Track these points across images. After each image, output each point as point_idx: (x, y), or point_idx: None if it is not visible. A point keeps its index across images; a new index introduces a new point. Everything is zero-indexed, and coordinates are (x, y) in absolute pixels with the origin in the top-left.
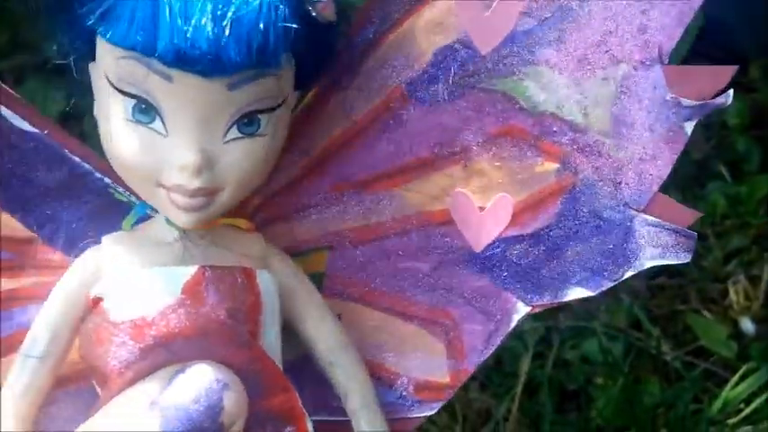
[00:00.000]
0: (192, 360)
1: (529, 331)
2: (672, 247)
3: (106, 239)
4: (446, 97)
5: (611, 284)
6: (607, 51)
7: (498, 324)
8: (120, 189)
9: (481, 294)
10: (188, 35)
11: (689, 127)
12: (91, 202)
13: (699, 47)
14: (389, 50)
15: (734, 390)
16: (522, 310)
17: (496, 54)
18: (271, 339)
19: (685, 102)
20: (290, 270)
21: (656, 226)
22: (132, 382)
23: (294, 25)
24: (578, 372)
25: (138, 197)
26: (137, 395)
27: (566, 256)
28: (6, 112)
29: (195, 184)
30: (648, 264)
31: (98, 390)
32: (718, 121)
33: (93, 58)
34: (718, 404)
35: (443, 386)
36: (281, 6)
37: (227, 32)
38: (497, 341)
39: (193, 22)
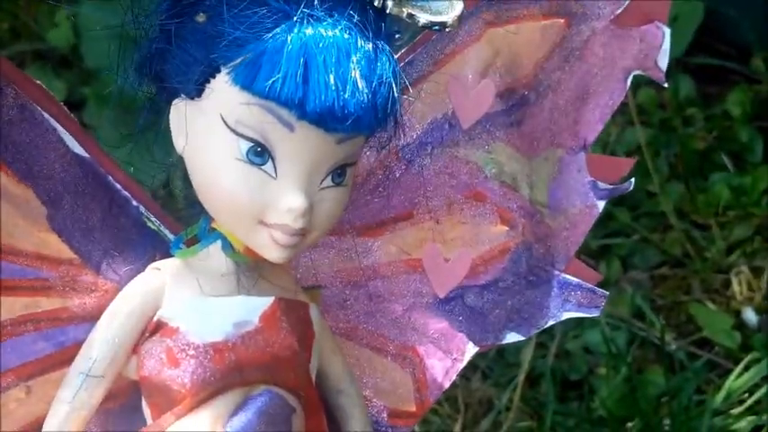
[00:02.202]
0: (258, 383)
1: None
2: (585, 303)
3: (161, 265)
4: (430, 162)
5: (536, 331)
6: (550, 137)
7: (454, 361)
8: (153, 218)
9: (441, 334)
10: (342, 97)
11: (601, 204)
12: (127, 230)
13: (701, 40)
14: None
15: (737, 380)
16: (471, 349)
17: (473, 129)
18: (314, 365)
19: (600, 185)
20: (316, 306)
21: (575, 285)
22: (203, 402)
23: (410, 95)
24: (581, 362)
25: (166, 226)
26: (209, 415)
27: (507, 305)
28: (65, 135)
29: (299, 224)
30: (566, 315)
31: (147, 410)
32: (720, 113)
33: (191, 97)
34: (721, 395)
35: (411, 414)
36: (401, 75)
37: (370, 98)
38: (453, 375)
39: (349, 86)
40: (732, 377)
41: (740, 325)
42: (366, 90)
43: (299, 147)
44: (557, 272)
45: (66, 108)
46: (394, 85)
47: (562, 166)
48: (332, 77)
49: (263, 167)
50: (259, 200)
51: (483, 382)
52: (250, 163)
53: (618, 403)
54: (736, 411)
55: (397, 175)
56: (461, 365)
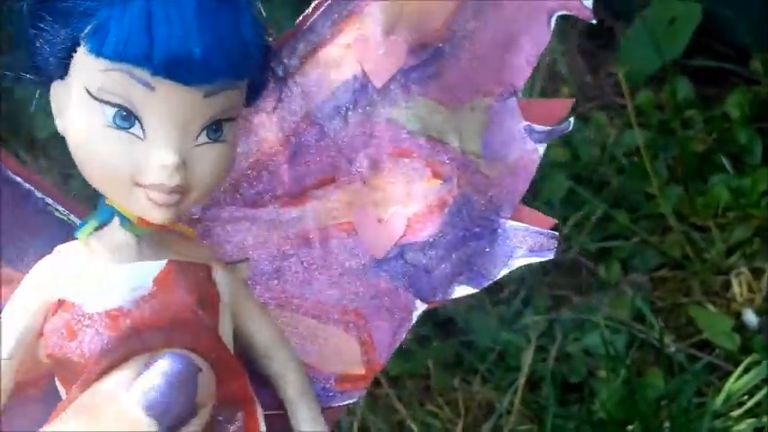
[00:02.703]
0: (162, 348)
1: (531, 324)
2: (537, 247)
3: (61, 248)
4: (345, 124)
5: (489, 282)
6: (473, 86)
7: (402, 320)
8: (60, 208)
9: (384, 295)
10: (186, 46)
11: (541, 148)
12: (33, 221)
13: (700, 41)
14: (304, 79)
15: (737, 382)
16: (420, 306)
17: (387, 87)
18: (225, 329)
19: (537, 128)
20: (231, 274)
21: (523, 230)
22: (107, 371)
23: (270, 39)
24: (581, 365)
25: (76, 214)
26: (114, 382)
27: (452, 259)
28: None
29: (175, 181)
30: (518, 262)
31: (61, 388)
32: (719, 114)
33: (61, 76)
34: (721, 397)
35: (360, 377)
36: (257, 24)
37: (216, 44)
38: (402, 335)
39: (191, 36)
40: (732, 379)
41: (740, 327)
42: (211, 37)
43: (162, 104)
44: (502, 220)
45: None
46: (244, 32)
47: (492, 114)
48: (173, 28)
49: (131, 131)
50: (130, 162)
51: (483, 386)
52: (117, 128)
53: (618, 406)
54: (736, 414)
55: (313, 141)
56: (410, 324)
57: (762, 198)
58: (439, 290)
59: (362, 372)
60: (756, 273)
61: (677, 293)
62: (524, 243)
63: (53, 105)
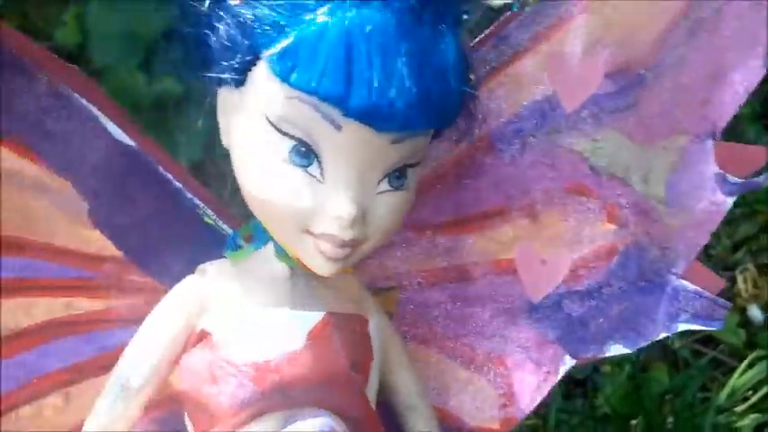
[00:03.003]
0: (307, 406)
1: None
2: (705, 314)
3: (209, 268)
4: (526, 150)
5: (645, 343)
6: (671, 122)
7: (547, 374)
8: (209, 212)
9: (534, 344)
10: (388, 95)
11: (730, 201)
12: (181, 225)
13: None
14: (489, 95)
15: (741, 377)
16: (568, 362)
17: (577, 113)
18: (372, 385)
19: (730, 178)
20: (382, 315)
21: (693, 293)
22: (244, 424)
23: (475, 92)
24: None
25: (224, 221)
26: None
27: (612, 313)
28: (108, 123)
29: (348, 235)
30: (681, 327)
31: (189, 422)
32: None
33: (237, 85)
34: (725, 392)
35: None
36: (465, 69)
37: (421, 96)
38: (545, 391)
39: (395, 82)
40: (736, 375)
41: (745, 322)
42: (416, 85)
43: (347, 147)
44: (673, 278)
45: (100, 90)
46: (452, 78)
47: (685, 156)
48: (376, 71)
49: (308, 170)
50: (303, 206)
51: None
52: (293, 164)
53: (622, 401)
54: (740, 409)
55: (487, 166)
56: (555, 380)
57: None
58: (592, 346)
59: (497, 426)
60: (762, 269)
61: None
62: (691, 307)
63: (219, 112)
